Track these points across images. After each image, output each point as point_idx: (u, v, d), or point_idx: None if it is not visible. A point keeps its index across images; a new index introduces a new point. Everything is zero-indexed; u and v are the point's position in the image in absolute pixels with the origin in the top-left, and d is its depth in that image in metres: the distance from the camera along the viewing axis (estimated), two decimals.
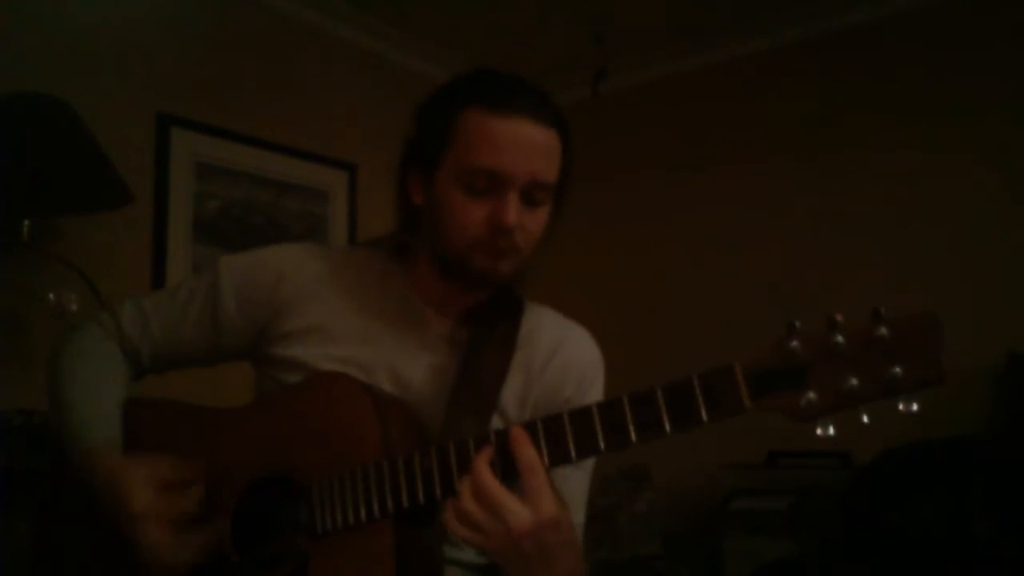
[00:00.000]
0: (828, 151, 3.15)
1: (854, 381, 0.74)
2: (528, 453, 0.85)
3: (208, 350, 1.18)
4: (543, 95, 1.08)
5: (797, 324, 0.77)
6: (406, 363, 1.10)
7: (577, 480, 1.13)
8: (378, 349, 1.10)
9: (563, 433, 0.85)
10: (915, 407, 0.73)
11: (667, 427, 0.80)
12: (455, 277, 1.09)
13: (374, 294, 1.14)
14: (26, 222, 2.14)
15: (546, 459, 0.86)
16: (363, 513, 0.93)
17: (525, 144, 1.02)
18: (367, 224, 3.23)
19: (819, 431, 0.76)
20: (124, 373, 1.18)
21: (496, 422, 1.07)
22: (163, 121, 2.71)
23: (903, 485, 2.38)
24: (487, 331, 1.11)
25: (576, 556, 0.91)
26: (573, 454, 0.85)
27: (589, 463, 1.15)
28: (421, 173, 1.09)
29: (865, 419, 0.75)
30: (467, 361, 1.08)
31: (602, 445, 0.83)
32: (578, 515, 1.11)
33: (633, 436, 0.82)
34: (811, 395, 0.75)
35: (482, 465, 0.86)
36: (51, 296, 2.21)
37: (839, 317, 0.76)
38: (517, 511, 0.84)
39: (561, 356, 1.15)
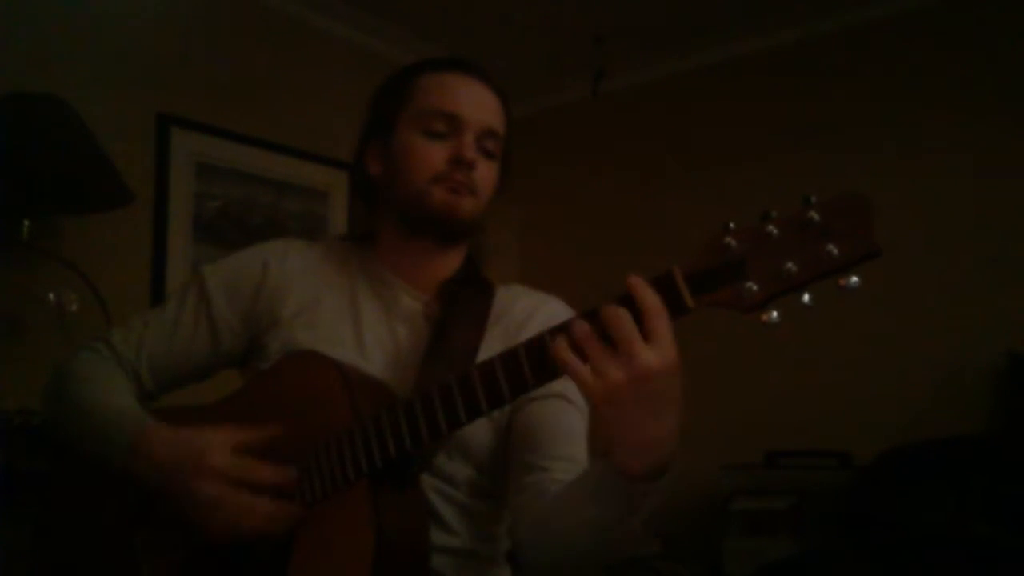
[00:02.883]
0: (828, 150, 3.15)
1: (791, 265, 0.75)
2: (653, 297, 0.79)
3: (207, 357, 1.17)
4: (487, 70, 1.18)
5: (731, 223, 0.78)
6: (389, 338, 1.13)
7: (574, 416, 1.12)
8: (363, 326, 1.13)
9: (519, 361, 0.85)
10: (854, 280, 0.74)
11: None
12: (419, 230, 1.14)
13: (356, 276, 1.19)
14: (26, 222, 2.14)
15: (506, 392, 0.86)
16: (339, 478, 0.94)
17: (477, 97, 1.14)
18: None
19: (763, 318, 0.77)
20: (131, 387, 1.16)
21: None
22: (163, 121, 2.71)
23: (903, 485, 2.38)
24: (460, 304, 1.14)
25: (680, 416, 0.84)
26: (531, 382, 0.85)
27: (586, 409, 1.13)
28: (379, 140, 1.17)
29: (806, 299, 0.76)
30: (439, 333, 1.11)
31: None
32: (584, 452, 1.10)
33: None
34: (750, 284, 0.76)
35: (614, 308, 0.79)
36: (51, 296, 2.21)
37: (772, 211, 0.77)
38: (646, 350, 0.78)
39: (538, 318, 1.16)
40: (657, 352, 0.78)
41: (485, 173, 1.14)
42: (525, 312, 1.18)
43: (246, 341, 1.17)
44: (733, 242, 0.77)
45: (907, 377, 2.86)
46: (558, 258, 3.66)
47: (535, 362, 0.85)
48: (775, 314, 0.77)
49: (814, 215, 0.74)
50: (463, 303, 1.15)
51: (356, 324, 1.14)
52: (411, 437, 0.91)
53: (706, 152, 3.47)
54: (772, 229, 0.76)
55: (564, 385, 1.07)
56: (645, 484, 0.84)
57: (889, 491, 2.39)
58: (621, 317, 0.78)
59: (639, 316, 0.79)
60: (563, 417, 1.10)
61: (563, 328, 0.82)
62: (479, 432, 1.08)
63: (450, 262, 1.19)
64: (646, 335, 0.78)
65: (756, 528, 2.73)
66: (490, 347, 1.10)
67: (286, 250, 1.20)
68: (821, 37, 3.22)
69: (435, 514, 1.06)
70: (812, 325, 0.79)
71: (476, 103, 1.13)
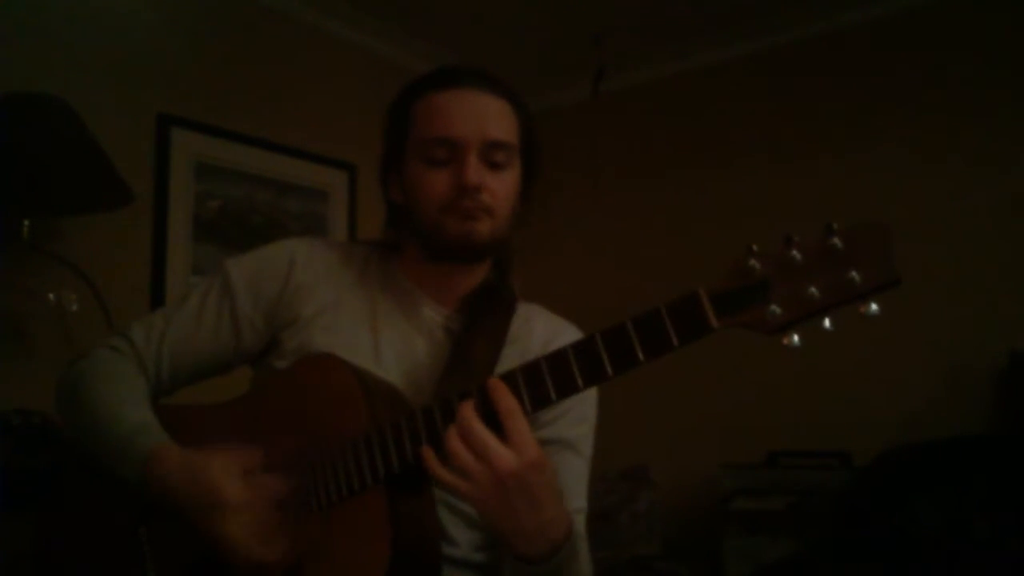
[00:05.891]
0: (830, 150, 3.15)
1: (814, 290, 0.77)
2: (508, 399, 0.87)
3: (228, 353, 1.16)
4: (489, 74, 1.14)
5: (754, 246, 0.81)
6: (406, 348, 1.13)
7: (577, 466, 1.15)
8: (381, 335, 1.13)
9: (541, 376, 0.88)
10: (874, 308, 0.76)
11: (640, 355, 0.83)
12: (441, 255, 1.13)
13: (376, 284, 1.18)
14: (26, 222, 2.14)
15: (528, 404, 0.89)
16: (356, 483, 0.94)
17: (472, 109, 1.09)
18: (367, 224, 3.23)
19: (784, 341, 0.80)
20: (147, 392, 1.14)
21: None
22: (163, 121, 2.71)
23: (903, 485, 2.38)
24: (480, 318, 1.14)
25: (559, 502, 0.92)
26: (553, 395, 0.88)
27: (588, 451, 1.17)
28: (395, 171, 1.16)
29: (827, 324, 0.78)
30: (459, 346, 1.11)
31: (580, 382, 0.87)
32: (579, 500, 1.13)
33: (609, 369, 0.85)
34: (774, 308, 0.79)
35: (468, 409, 0.88)
36: (51, 296, 2.21)
37: (794, 235, 0.79)
38: (502, 452, 0.85)
39: (556, 345, 1.16)
40: (514, 452, 0.85)
41: (497, 188, 1.10)
42: (542, 339, 1.18)
43: (267, 338, 1.15)
44: (757, 265, 0.80)
45: (907, 377, 2.86)
46: (557, 259, 3.66)
47: (558, 377, 0.87)
48: (796, 337, 0.79)
49: (836, 242, 0.76)
50: (484, 318, 1.14)
51: (374, 332, 1.13)
52: (430, 443, 0.91)
53: (707, 152, 3.47)
54: (795, 254, 0.78)
55: (576, 433, 1.14)
56: (539, 566, 0.90)
57: (889, 491, 2.39)
58: (473, 428, 0.86)
59: (496, 417, 0.85)
60: (566, 468, 1.12)
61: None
62: None
63: (474, 276, 1.18)
64: (504, 435, 0.85)
65: (756, 528, 2.73)
66: (505, 368, 1.10)
67: (311, 250, 1.18)
68: (821, 37, 3.22)
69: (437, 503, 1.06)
70: (812, 325, 0.80)
71: (474, 118, 1.08)
